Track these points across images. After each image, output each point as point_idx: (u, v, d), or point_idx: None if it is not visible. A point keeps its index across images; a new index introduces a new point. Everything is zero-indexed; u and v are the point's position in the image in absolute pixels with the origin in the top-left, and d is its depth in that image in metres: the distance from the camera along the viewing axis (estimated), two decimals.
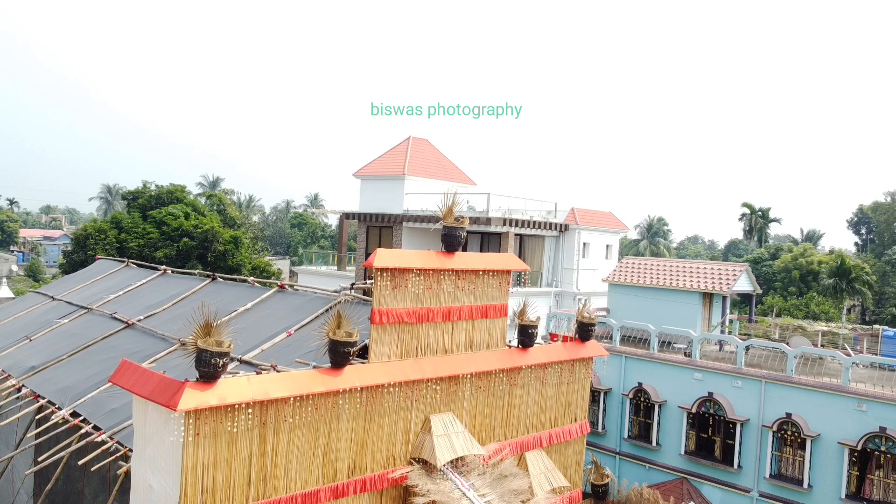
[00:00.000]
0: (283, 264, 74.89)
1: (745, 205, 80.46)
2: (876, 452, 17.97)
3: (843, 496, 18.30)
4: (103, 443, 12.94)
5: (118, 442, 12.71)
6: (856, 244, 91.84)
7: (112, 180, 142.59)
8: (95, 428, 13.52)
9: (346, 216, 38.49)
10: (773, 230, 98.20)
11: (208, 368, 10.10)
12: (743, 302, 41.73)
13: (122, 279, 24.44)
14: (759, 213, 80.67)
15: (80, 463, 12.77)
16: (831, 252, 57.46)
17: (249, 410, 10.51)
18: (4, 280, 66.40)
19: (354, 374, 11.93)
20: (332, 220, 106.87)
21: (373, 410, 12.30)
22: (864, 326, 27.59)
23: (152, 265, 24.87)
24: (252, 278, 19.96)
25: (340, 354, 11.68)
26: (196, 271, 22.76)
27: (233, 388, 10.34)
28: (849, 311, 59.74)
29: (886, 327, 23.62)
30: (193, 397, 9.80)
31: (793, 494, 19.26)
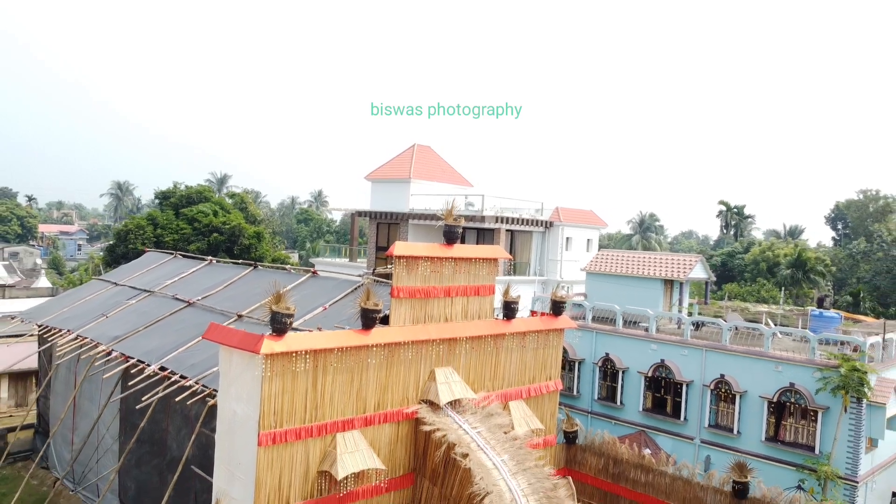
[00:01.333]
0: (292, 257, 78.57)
1: (721, 202, 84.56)
2: (788, 404, 21.80)
3: (764, 439, 22.14)
4: (191, 387, 16.76)
5: (203, 385, 16.55)
6: (833, 238, 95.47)
7: (115, 179, 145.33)
8: (182, 377, 17.34)
9: (358, 214, 42.25)
10: (762, 225, 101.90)
11: (279, 325, 13.87)
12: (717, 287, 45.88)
13: (173, 268, 28.12)
14: (735, 209, 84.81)
15: (176, 400, 16.54)
16: (796, 246, 61.32)
17: (306, 357, 14.21)
18: (42, 271, 70.34)
19: (379, 335, 15.62)
20: (337, 216, 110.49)
21: (392, 362, 16.02)
22: (799, 308, 31.38)
23: (199, 256, 28.57)
24: (289, 265, 23.76)
25: (369, 319, 15.44)
26: (239, 261, 26.51)
27: (295, 340, 14.09)
28: (821, 301, 63.67)
29: (814, 308, 27.46)
30: (270, 345, 13.55)
31: (726, 440, 23.11)
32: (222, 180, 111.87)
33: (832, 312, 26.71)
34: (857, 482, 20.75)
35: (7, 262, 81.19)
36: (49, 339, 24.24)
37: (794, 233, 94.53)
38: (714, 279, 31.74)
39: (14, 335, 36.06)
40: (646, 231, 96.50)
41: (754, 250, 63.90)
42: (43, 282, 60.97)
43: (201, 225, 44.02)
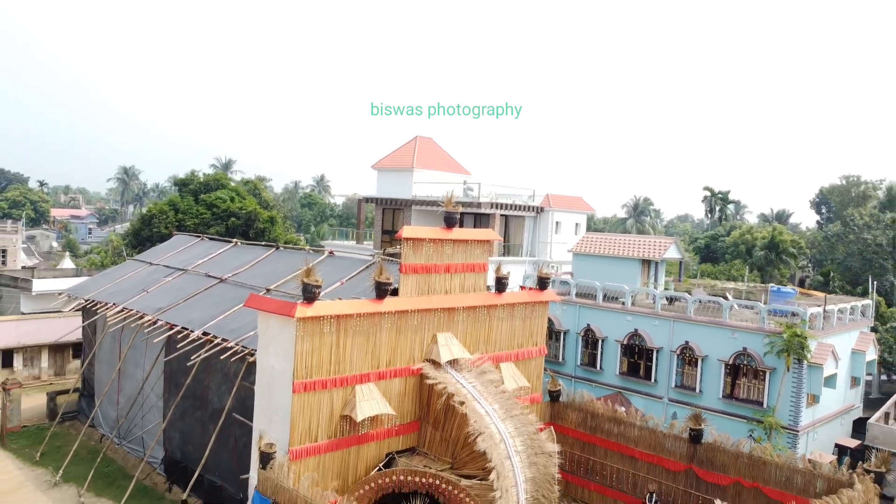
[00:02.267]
0: None
1: (706, 188, 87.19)
2: (741, 366, 24.65)
3: (721, 396, 24.93)
4: (232, 348, 19.51)
5: (242, 346, 19.31)
6: (818, 222, 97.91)
7: (121, 165, 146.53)
8: (224, 340, 20.08)
9: (365, 200, 44.92)
10: (755, 209, 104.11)
11: (310, 294, 16.51)
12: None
13: (201, 249, 30.67)
14: (720, 195, 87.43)
15: (221, 358, 19.28)
16: (774, 229, 64.08)
17: (331, 321, 16.79)
18: (67, 253, 72.93)
19: (390, 304, 18.19)
20: (339, 201, 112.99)
21: (401, 327, 18.64)
22: (763, 285, 34.18)
23: (224, 238, 31.24)
24: (308, 247, 26.42)
25: (382, 291, 18.12)
26: (262, 243, 29.17)
27: (323, 306, 16.74)
28: (802, 281, 66.53)
29: (773, 284, 30.23)
30: (303, 311, 16.19)
31: (690, 398, 25.93)
32: (227, 165, 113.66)
33: (789, 288, 29.44)
34: (798, 431, 23.59)
35: (25, 246, 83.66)
36: (97, 311, 26.92)
37: (781, 217, 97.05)
38: (687, 259, 34.46)
39: (52, 311, 39.00)
40: (640, 215, 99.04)
41: (734, 234, 66.76)
42: (67, 263, 63.76)
43: (220, 210, 46.61)
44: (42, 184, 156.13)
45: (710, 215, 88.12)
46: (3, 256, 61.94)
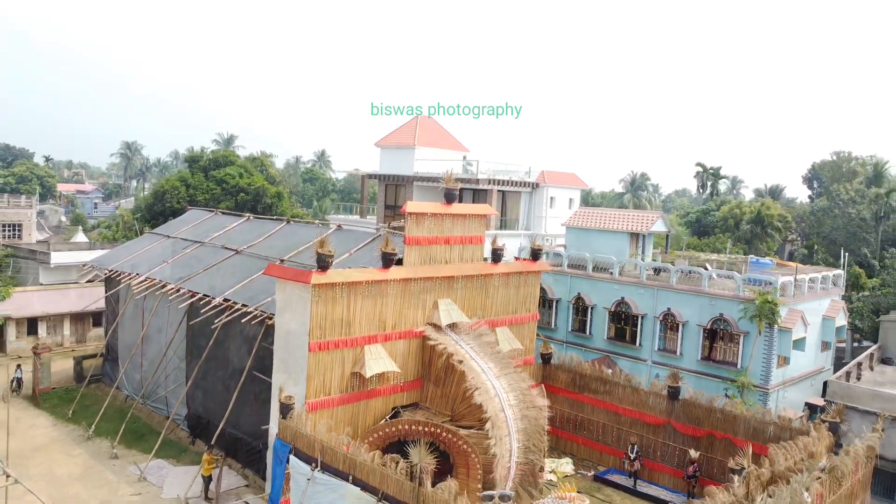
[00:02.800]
0: None
1: (698, 164, 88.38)
2: (718, 330, 26.39)
3: (699, 358, 26.66)
4: (251, 312, 21.13)
5: (261, 310, 20.94)
6: (809, 197, 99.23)
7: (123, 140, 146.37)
8: (244, 305, 21.70)
9: (369, 176, 46.33)
10: (751, 184, 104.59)
11: (323, 263, 18.06)
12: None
13: (216, 223, 32.12)
14: (711, 170, 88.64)
15: (242, 321, 20.95)
16: (762, 204, 65.66)
17: (343, 287, 18.34)
18: (80, 228, 74.39)
19: (396, 272, 19.73)
20: (340, 176, 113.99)
21: (405, 293, 20.19)
22: (743, 256, 35.86)
23: (237, 213, 32.71)
24: (317, 221, 27.92)
25: (388, 260, 19.67)
26: (274, 216, 30.65)
27: (335, 274, 18.27)
28: (791, 254, 68.24)
29: (753, 256, 31.87)
30: (317, 278, 17.71)
31: (671, 360, 27.64)
32: (229, 141, 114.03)
33: (767, 259, 31.06)
34: (769, 390, 25.36)
35: (36, 220, 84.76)
36: (121, 281, 28.50)
37: (774, 192, 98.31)
38: (674, 232, 36.01)
39: (71, 283, 40.71)
40: (637, 190, 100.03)
41: (723, 209, 68.30)
42: (80, 237, 65.32)
43: (229, 186, 48.03)
44: (48, 159, 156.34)
45: (701, 191, 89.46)
46: (19, 230, 63.37)
